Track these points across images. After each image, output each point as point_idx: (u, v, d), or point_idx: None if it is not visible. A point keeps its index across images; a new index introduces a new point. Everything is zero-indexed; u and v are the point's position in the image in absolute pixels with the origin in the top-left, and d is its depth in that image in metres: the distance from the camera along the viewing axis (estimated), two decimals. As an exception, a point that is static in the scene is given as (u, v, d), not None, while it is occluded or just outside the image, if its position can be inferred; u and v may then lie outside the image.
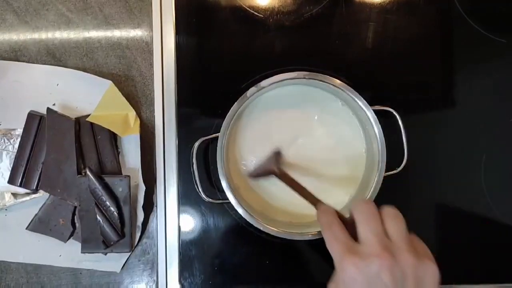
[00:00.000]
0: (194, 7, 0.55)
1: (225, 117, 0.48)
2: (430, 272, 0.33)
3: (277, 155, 0.49)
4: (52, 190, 0.52)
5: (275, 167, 0.45)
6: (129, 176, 0.52)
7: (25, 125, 0.53)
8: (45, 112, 0.52)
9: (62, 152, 0.52)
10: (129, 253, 0.54)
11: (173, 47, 0.55)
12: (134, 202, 0.53)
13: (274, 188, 0.51)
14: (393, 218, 0.36)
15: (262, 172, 0.47)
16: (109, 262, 0.54)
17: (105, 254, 0.53)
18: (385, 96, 0.52)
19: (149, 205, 0.54)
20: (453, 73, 0.55)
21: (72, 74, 0.55)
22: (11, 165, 0.53)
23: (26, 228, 0.53)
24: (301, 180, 0.51)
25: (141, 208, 0.53)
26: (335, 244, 0.35)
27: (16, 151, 0.53)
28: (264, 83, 0.49)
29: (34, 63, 0.56)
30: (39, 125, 0.53)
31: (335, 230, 0.37)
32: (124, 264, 0.54)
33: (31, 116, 0.53)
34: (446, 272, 0.52)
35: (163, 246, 0.54)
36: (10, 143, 0.54)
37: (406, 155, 0.49)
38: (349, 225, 0.37)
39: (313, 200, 0.43)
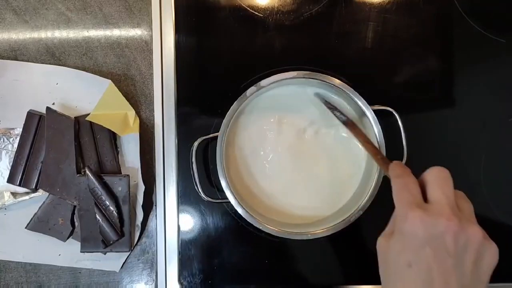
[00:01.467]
0: (193, 6, 0.55)
1: (224, 116, 0.48)
2: (493, 251, 0.32)
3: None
4: (51, 189, 0.52)
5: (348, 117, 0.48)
6: (128, 175, 0.52)
7: (24, 124, 0.53)
8: (44, 111, 0.52)
9: (61, 151, 0.52)
10: (129, 253, 0.54)
11: (172, 46, 0.55)
12: (133, 201, 0.53)
13: (274, 188, 0.51)
14: (463, 197, 0.35)
15: (337, 111, 0.49)
16: (109, 261, 0.54)
17: (105, 253, 0.53)
18: (384, 96, 0.52)
19: (148, 205, 0.54)
20: (452, 73, 0.55)
21: (72, 73, 0.55)
22: (11, 164, 0.53)
23: (26, 227, 0.53)
24: (301, 180, 0.52)
25: (141, 208, 0.53)
26: (405, 194, 0.33)
27: (15, 150, 0.53)
28: (263, 82, 0.49)
29: (33, 62, 0.56)
30: (39, 124, 0.53)
31: (408, 181, 0.34)
32: (123, 264, 0.54)
33: (31, 115, 0.53)
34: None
35: (162, 246, 0.54)
36: (10, 142, 0.54)
37: (406, 154, 0.49)
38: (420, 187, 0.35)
39: (383, 160, 0.42)
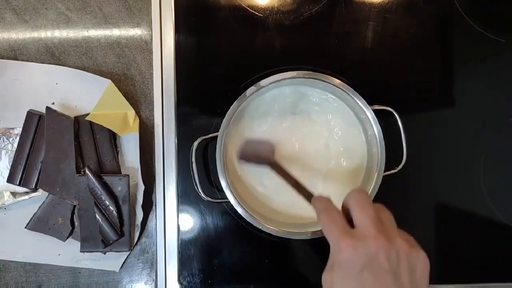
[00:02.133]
0: (193, 6, 0.55)
1: (224, 116, 0.48)
2: (422, 259, 0.34)
3: (271, 144, 0.49)
4: (51, 189, 0.52)
5: (270, 156, 0.46)
6: (128, 175, 0.52)
7: (24, 124, 0.53)
8: (44, 111, 0.52)
9: (61, 151, 0.52)
10: (128, 252, 0.54)
11: (172, 46, 0.55)
12: (133, 201, 0.53)
13: (274, 188, 0.51)
14: (383, 210, 0.37)
15: (254, 159, 0.48)
16: (108, 261, 0.54)
17: (104, 253, 0.53)
18: (384, 95, 0.52)
19: (148, 204, 0.54)
20: (452, 73, 0.55)
21: (71, 73, 0.55)
22: (10, 164, 0.53)
23: (25, 227, 0.53)
24: (301, 179, 0.52)
25: (140, 207, 0.53)
26: (333, 228, 0.36)
27: (15, 150, 0.53)
28: (263, 82, 0.49)
29: (33, 62, 0.56)
30: (38, 124, 0.53)
31: (332, 214, 0.37)
32: (123, 263, 0.54)
33: (30, 115, 0.53)
34: (445, 271, 0.53)
35: (162, 245, 0.54)
36: (9, 142, 0.54)
37: (405, 154, 0.49)
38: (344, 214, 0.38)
39: (307, 194, 0.43)
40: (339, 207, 0.39)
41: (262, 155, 0.48)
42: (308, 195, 0.43)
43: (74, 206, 0.53)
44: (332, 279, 0.35)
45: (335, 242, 0.35)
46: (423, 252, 0.34)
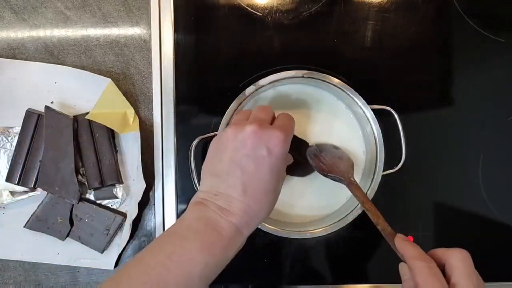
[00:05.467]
0: (192, 5, 0.55)
1: (223, 115, 0.48)
2: None
3: (350, 160, 0.47)
4: (49, 188, 0.52)
5: (349, 174, 0.44)
6: (124, 217, 0.53)
7: (23, 123, 0.53)
8: (43, 110, 0.52)
9: (60, 150, 0.52)
10: (120, 251, 0.54)
11: (171, 45, 0.55)
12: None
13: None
14: (481, 280, 0.36)
15: (332, 173, 0.46)
16: (107, 260, 0.54)
17: (102, 252, 0.53)
18: (383, 95, 0.52)
19: (145, 201, 0.54)
20: (451, 72, 0.55)
21: (70, 72, 0.54)
22: (9, 163, 0.53)
23: (24, 226, 0.53)
24: (300, 179, 0.52)
25: (136, 205, 0.52)
26: (435, 282, 0.33)
27: (14, 149, 0.53)
28: (262, 81, 0.49)
29: (32, 60, 0.56)
30: (37, 123, 0.53)
31: (433, 266, 0.35)
32: (120, 262, 0.54)
33: (29, 114, 0.53)
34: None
35: (161, 245, 0.54)
36: (8, 141, 0.54)
37: (404, 154, 0.49)
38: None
39: (386, 227, 0.40)
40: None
41: (341, 172, 0.45)
42: (387, 230, 0.40)
43: (73, 205, 0.53)
44: None
45: None
46: None
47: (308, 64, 0.52)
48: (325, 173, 0.47)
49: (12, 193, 0.54)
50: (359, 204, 0.48)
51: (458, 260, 0.35)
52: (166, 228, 0.54)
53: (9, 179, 0.52)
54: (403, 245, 0.37)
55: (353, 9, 0.55)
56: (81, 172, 0.54)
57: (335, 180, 0.46)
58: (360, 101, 0.49)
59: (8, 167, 0.53)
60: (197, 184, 0.50)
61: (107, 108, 0.52)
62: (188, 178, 0.52)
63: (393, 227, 0.39)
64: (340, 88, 0.49)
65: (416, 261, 0.35)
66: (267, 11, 0.55)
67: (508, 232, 0.53)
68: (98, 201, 0.54)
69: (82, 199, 0.54)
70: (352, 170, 0.47)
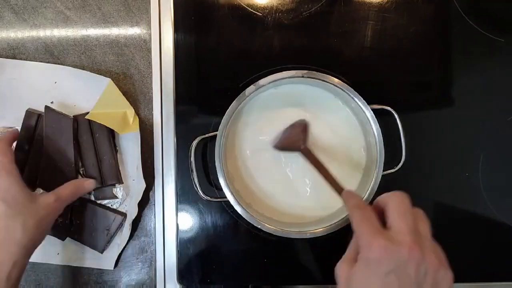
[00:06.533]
0: (192, 5, 0.55)
1: (223, 115, 0.48)
2: (448, 279, 0.34)
3: (304, 127, 0.48)
4: (49, 188, 0.52)
5: (301, 143, 0.46)
6: (124, 216, 0.53)
7: (23, 123, 0.53)
8: (43, 110, 0.52)
9: (60, 150, 0.52)
10: (120, 251, 0.54)
11: (171, 45, 0.55)
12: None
13: (273, 187, 0.51)
14: (422, 219, 0.37)
15: (287, 146, 0.48)
16: (107, 260, 0.54)
17: (102, 252, 0.53)
18: (383, 95, 0.52)
19: (145, 201, 0.54)
20: (451, 72, 0.55)
21: (70, 72, 0.55)
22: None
23: (24, 226, 0.53)
24: (300, 179, 0.52)
25: (136, 205, 0.52)
26: (366, 224, 0.35)
27: (14, 149, 0.53)
28: (262, 81, 0.49)
29: (32, 60, 0.56)
30: (37, 123, 0.53)
31: (366, 212, 0.37)
32: (120, 262, 0.54)
33: (29, 114, 0.53)
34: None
35: (161, 244, 0.54)
36: (8, 141, 0.54)
37: (404, 154, 0.50)
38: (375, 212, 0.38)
39: (336, 186, 0.43)
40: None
41: (293, 142, 0.47)
42: (338, 188, 0.43)
43: (73, 205, 0.53)
44: (351, 272, 0.35)
45: (366, 238, 0.35)
46: (451, 273, 0.34)
47: (308, 64, 0.52)
48: (279, 149, 0.49)
49: (12, 193, 0.54)
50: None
51: (393, 202, 0.37)
52: (166, 228, 0.54)
53: (9, 179, 0.52)
54: (347, 196, 0.41)
55: (353, 9, 0.55)
56: (81, 172, 0.54)
57: (291, 151, 0.48)
58: (360, 101, 0.49)
59: (8, 167, 0.53)
60: (197, 184, 0.50)
61: (107, 108, 0.52)
62: (188, 178, 0.52)
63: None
64: (340, 88, 0.49)
65: (353, 209, 0.38)
66: (267, 11, 0.55)
67: (508, 232, 0.53)
68: (98, 201, 0.54)
69: (82, 199, 0.54)
70: (303, 136, 0.47)
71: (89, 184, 0.50)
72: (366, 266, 0.34)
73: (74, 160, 0.52)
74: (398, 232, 0.34)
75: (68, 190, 0.48)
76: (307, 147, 0.46)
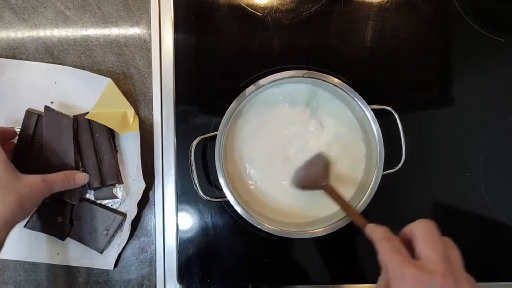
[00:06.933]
0: (192, 5, 0.55)
1: (223, 115, 0.48)
2: None
3: (325, 165, 0.48)
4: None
5: (325, 181, 0.47)
6: (124, 216, 0.53)
7: (23, 123, 0.53)
8: (43, 110, 0.52)
9: (59, 150, 0.52)
10: (120, 251, 0.54)
11: (171, 45, 0.55)
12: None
13: (273, 187, 0.51)
14: (452, 247, 0.36)
15: (310, 185, 0.48)
16: (107, 260, 0.54)
17: (101, 252, 0.53)
18: (383, 95, 0.52)
19: (145, 201, 0.54)
20: (451, 72, 0.55)
21: (70, 72, 0.55)
22: (9, 163, 0.53)
23: (24, 226, 0.53)
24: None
25: (136, 205, 0.52)
26: (396, 254, 0.34)
27: (14, 148, 0.53)
28: (262, 81, 0.49)
29: (32, 60, 0.56)
30: (37, 123, 0.53)
31: (395, 242, 0.36)
32: (120, 262, 0.54)
33: (29, 114, 0.53)
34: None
35: (161, 244, 0.54)
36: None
37: (404, 154, 0.50)
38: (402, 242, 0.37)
39: (360, 220, 0.43)
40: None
41: (317, 182, 0.47)
42: (361, 221, 0.42)
43: (73, 205, 0.53)
44: None
45: (397, 268, 0.33)
46: None
47: (308, 64, 0.52)
48: (300, 188, 0.49)
49: (12, 193, 0.54)
50: (359, 204, 0.48)
51: (420, 230, 0.36)
52: (166, 228, 0.54)
53: (9, 179, 0.52)
54: (372, 229, 0.39)
55: (353, 9, 0.55)
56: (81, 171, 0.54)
57: (313, 190, 0.48)
58: (360, 101, 0.49)
59: (8, 167, 0.53)
60: (197, 184, 0.50)
61: (107, 108, 0.52)
62: (188, 178, 0.52)
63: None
64: (340, 88, 0.49)
65: (380, 241, 0.37)
66: (267, 11, 0.55)
67: (508, 232, 0.53)
68: (98, 201, 0.54)
69: (82, 199, 0.54)
70: (325, 173, 0.48)
71: (80, 177, 0.51)
72: None
73: (74, 159, 0.52)
74: (429, 261, 0.33)
75: (57, 177, 0.48)
76: (329, 184, 0.47)
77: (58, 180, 0.48)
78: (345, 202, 0.46)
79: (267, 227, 0.48)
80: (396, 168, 0.50)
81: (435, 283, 0.32)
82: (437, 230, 0.36)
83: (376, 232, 0.38)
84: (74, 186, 0.51)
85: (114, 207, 0.54)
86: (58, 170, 0.51)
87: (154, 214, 0.54)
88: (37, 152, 0.52)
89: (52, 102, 0.55)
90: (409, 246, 0.36)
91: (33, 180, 0.46)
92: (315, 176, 0.48)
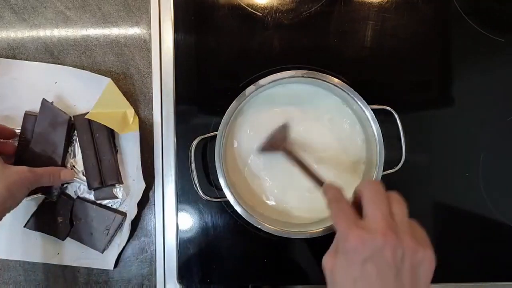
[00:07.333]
0: (192, 5, 0.55)
1: (223, 115, 0.48)
2: (428, 258, 0.34)
3: (285, 130, 0.50)
4: (50, 194, 0.52)
5: (283, 143, 0.48)
6: (124, 216, 0.53)
7: (22, 125, 0.53)
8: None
9: (48, 144, 0.51)
10: (120, 251, 0.54)
11: (171, 45, 0.55)
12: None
13: (273, 187, 0.51)
14: (397, 202, 0.37)
15: (270, 147, 0.50)
16: (107, 260, 0.54)
17: (102, 252, 0.53)
18: (383, 95, 0.52)
19: (145, 201, 0.54)
20: (451, 72, 0.55)
21: (70, 72, 0.55)
22: (9, 163, 0.53)
23: (24, 226, 0.53)
24: (300, 180, 0.52)
25: (136, 205, 0.52)
26: (342, 216, 0.36)
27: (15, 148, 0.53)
28: (262, 81, 0.49)
29: (32, 60, 0.56)
30: (35, 125, 0.53)
31: (342, 204, 0.38)
32: (120, 262, 0.54)
33: (27, 116, 0.53)
34: (443, 271, 0.52)
35: (161, 244, 0.54)
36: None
37: (404, 154, 0.50)
38: (353, 204, 0.38)
39: (318, 180, 0.44)
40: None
41: (276, 143, 0.49)
42: (319, 182, 0.44)
43: (73, 205, 0.53)
44: (334, 263, 0.36)
45: (342, 230, 0.35)
46: (431, 252, 0.35)
47: (308, 64, 0.52)
48: (263, 151, 0.50)
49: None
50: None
51: (366, 191, 0.37)
52: (166, 228, 0.54)
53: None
54: (326, 190, 0.41)
55: (353, 9, 0.55)
56: (82, 172, 0.54)
57: (275, 152, 0.49)
58: (360, 101, 0.49)
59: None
60: (197, 184, 0.50)
61: (107, 107, 0.52)
62: (188, 178, 0.52)
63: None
64: (340, 88, 0.49)
65: (330, 203, 0.39)
66: (267, 11, 0.55)
67: (508, 232, 0.53)
68: (98, 201, 0.54)
69: (82, 199, 0.54)
70: (283, 135, 0.50)
71: (65, 173, 0.51)
72: (345, 257, 0.35)
73: (63, 158, 0.52)
74: (372, 221, 0.35)
75: (43, 171, 0.49)
76: (286, 146, 0.48)
77: (44, 173, 0.49)
78: (302, 162, 0.47)
79: (267, 227, 0.48)
80: (396, 168, 0.50)
81: (376, 240, 0.33)
82: (383, 189, 0.37)
83: (328, 193, 0.41)
84: (60, 182, 0.51)
85: (114, 207, 0.54)
86: (43, 164, 0.51)
87: (154, 214, 0.54)
88: (38, 152, 0.52)
89: (52, 102, 0.55)
90: (358, 206, 0.37)
91: (20, 169, 0.47)
92: (275, 138, 0.50)
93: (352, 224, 0.35)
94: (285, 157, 0.48)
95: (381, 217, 0.35)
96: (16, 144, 0.53)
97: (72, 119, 0.53)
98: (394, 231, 0.34)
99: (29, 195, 0.50)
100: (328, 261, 0.37)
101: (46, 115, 0.52)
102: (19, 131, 0.53)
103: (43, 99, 0.52)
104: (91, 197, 0.54)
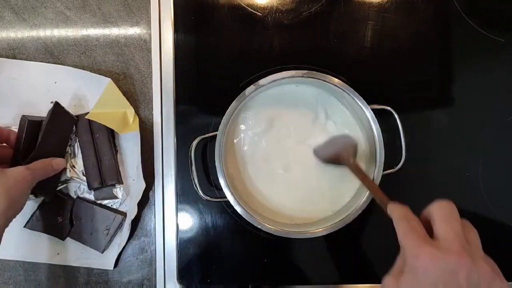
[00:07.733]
0: (192, 5, 0.55)
1: (223, 115, 0.48)
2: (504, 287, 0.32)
3: (352, 144, 0.49)
4: (46, 193, 0.52)
5: (350, 158, 0.47)
6: (124, 216, 0.53)
7: (19, 128, 0.52)
8: (42, 111, 0.52)
9: (54, 147, 0.51)
10: (120, 251, 0.54)
11: (171, 45, 0.55)
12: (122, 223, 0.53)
13: (273, 187, 0.51)
14: (470, 228, 0.35)
15: (336, 160, 0.49)
16: (107, 260, 0.54)
17: (102, 252, 0.53)
18: (383, 95, 0.52)
19: (145, 201, 0.54)
20: (451, 72, 0.55)
21: (70, 72, 0.55)
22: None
23: (24, 226, 0.53)
24: (300, 180, 0.52)
25: (136, 205, 0.52)
26: (412, 234, 0.33)
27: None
28: (262, 81, 0.49)
29: (32, 60, 0.56)
30: (28, 129, 0.52)
31: (412, 223, 0.35)
32: (120, 262, 0.54)
33: (24, 120, 0.52)
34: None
35: (161, 244, 0.54)
36: (8, 141, 0.54)
37: (404, 154, 0.50)
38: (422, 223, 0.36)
39: (383, 199, 0.42)
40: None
41: (342, 157, 0.48)
42: (384, 200, 0.41)
43: (73, 205, 0.53)
44: (399, 284, 0.33)
45: (412, 248, 0.33)
46: (507, 283, 0.32)
47: (308, 64, 0.52)
48: (326, 161, 0.50)
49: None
50: (359, 205, 0.48)
51: (437, 210, 0.35)
52: (166, 228, 0.54)
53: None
54: (393, 208, 0.38)
55: (353, 9, 0.55)
56: (82, 172, 0.54)
57: (337, 164, 0.49)
58: (360, 101, 0.49)
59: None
60: (197, 184, 0.50)
61: (107, 108, 0.52)
62: (188, 178, 0.52)
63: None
64: (340, 88, 0.49)
65: (399, 220, 0.36)
66: (267, 11, 0.55)
67: (508, 232, 0.53)
68: (98, 201, 0.54)
69: (82, 199, 0.54)
70: (351, 151, 0.48)
71: (57, 163, 0.50)
72: (413, 276, 0.32)
73: (66, 160, 0.52)
74: (445, 240, 0.32)
75: (37, 165, 0.48)
76: (355, 163, 0.47)
77: (39, 168, 0.48)
78: (370, 180, 0.46)
79: (267, 227, 0.48)
80: (396, 168, 0.50)
81: (451, 261, 0.31)
82: (456, 211, 0.34)
83: (395, 211, 0.37)
84: (54, 172, 0.50)
85: (114, 207, 0.54)
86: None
87: (154, 214, 0.54)
88: (38, 153, 0.52)
89: (51, 102, 0.54)
90: (429, 227, 0.35)
91: (16, 171, 0.46)
92: (344, 153, 0.48)
93: (423, 242, 0.32)
94: (351, 172, 0.47)
95: (455, 238, 0.32)
96: (12, 147, 0.52)
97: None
98: (469, 253, 0.31)
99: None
100: (390, 282, 0.34)
101: (56, 118, 0.51)
102: (16, 129, 0.53)
103: (56, 101, 0.51)
104: (91, 197, 0.54)
